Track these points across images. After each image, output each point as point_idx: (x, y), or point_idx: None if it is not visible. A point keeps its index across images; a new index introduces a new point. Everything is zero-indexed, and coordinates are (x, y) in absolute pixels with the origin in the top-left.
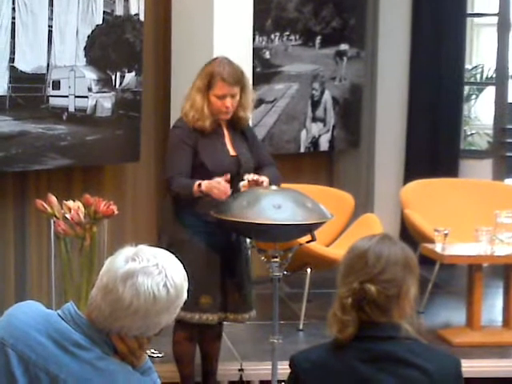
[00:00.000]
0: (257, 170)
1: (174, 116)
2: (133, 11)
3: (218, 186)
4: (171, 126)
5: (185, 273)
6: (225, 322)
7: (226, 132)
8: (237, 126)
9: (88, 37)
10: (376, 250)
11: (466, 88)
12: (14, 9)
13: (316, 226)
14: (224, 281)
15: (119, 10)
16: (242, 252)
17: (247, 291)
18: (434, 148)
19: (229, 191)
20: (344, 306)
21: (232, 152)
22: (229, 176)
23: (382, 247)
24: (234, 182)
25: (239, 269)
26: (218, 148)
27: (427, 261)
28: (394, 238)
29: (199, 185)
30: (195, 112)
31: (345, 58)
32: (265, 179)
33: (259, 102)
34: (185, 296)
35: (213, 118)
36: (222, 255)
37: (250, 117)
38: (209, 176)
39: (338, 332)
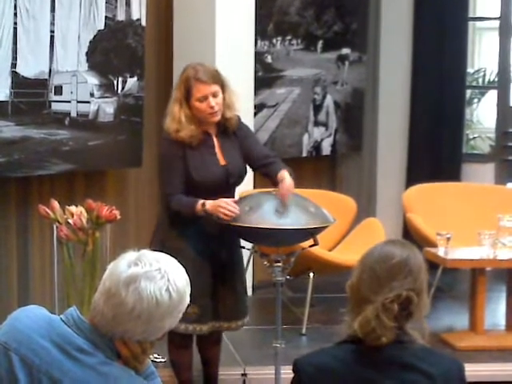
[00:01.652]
0: (264, 166)
1: None
2: (134, 16)
3: (227, 207)
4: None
5: (187, 277)
6: None
7: (215, 141)
8: (227, 129)
9: (90, 42)
10: (417, 258)
11: (468, 92)
12: (15, 14)
13: (318, 230)
14: (216, 290)
15: (121, 15)
16: (235, 260)
17: (240, 298)
18: (437, 152)
19: (238, 212)
20: (391, 311)
21: (222, 161)
22: (237, 199)
23: (417, 254)
24: (225, 192)
25: (232, 277)
26: (207, 159)
27: (430, 265)
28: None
29: (203, 204)
30: (174, 123)
31: (346, 62)
32: (285, 177)
33: (261, 107)
34: (187, 300)
35: (195, 128)
36: (213, 263)
37: (238, 114)
38: (197, 187)
39: (376, 337)
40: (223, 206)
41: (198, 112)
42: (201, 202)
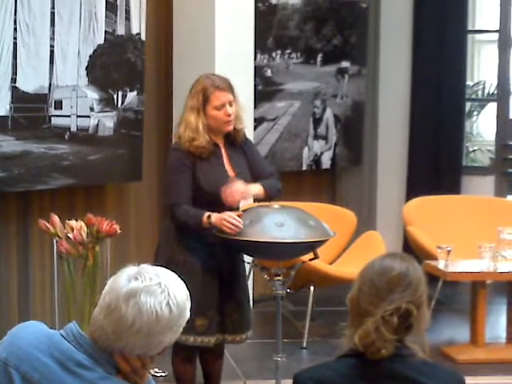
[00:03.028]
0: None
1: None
2: (134, 31)
3: (232, 221)
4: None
5: (187, 292)
6: None
7: (223, 152)
8: (235, 141)
9: (90, 56)
10: (417, 271)
11: (468, 104)
12: (15, 29)
13: (319, 243)
14: (222, 302)
15: (121, 30)
16: (240, 273)
17: (245, 311)
18: (437, 165)
19: (242, 227)
20: (390, 324)
21: (231, 172)
22: (242, 213)
23: (417, 267)
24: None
25: (238, 290)
26: (216, 169)
27: (430, 278)
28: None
29: (208, 216)
30: (190, 132)
31: (346, 76)
32: (248, 189)
33: (261, 120)
34: (187, 315)
35: (209, 138)
36: (220, 277)
37: (245, 128)
38: (206, 198)
39: (376, 350)
40: (228, 220)
41: (215, 121)
42: (207, 214)
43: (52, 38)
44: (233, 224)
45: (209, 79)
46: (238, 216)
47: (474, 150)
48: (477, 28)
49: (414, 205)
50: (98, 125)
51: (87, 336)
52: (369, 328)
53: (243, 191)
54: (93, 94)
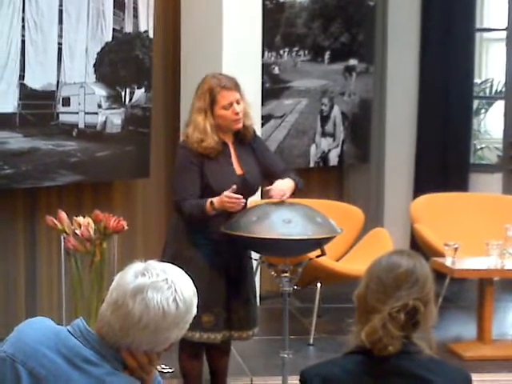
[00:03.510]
0: (274, 179)
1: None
2: (142, 28)
3: (230, 198)
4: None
5: (194, 288)
6: None
7: (232, 150)
8: (244, 138)
9: (97, 54)
10: (424, 268)
11: (476, 102)
12: (23, 27)
13: (326, 240)
14: (229, 299)
15: (128, 27)
16: (247, 270)
17: (252, 308)
18: (444, 162)
19: (242, 199)
20: (397, 321)
21: (239, 171)
22: (235, 187)
23: (424, 264)
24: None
25: (245, 287)
26: (224, 169)
27: (437, 275)
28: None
29: (211, 203)
30: (198, 133)
31: (354, 73)
32: (285, 187)
33: (269, 117)
34: (194, 311)
35: (218, 138)
36: (227, 273)
37: (253, 124)
38: (213, 197)
39: (383, 347)
40: (227, 200)
41: (223, 120)
42: (209, 200)
43: (60, 36)
44: (233, 201)
45: (215, 79)
46: (234, 192)
47: (481, 148)
48: (485, 26)
49: (422, 202)
50: (105, 122)
51: (94, 332)
52: (376, 325)
53: (284, 189)
54: (100, 91)
